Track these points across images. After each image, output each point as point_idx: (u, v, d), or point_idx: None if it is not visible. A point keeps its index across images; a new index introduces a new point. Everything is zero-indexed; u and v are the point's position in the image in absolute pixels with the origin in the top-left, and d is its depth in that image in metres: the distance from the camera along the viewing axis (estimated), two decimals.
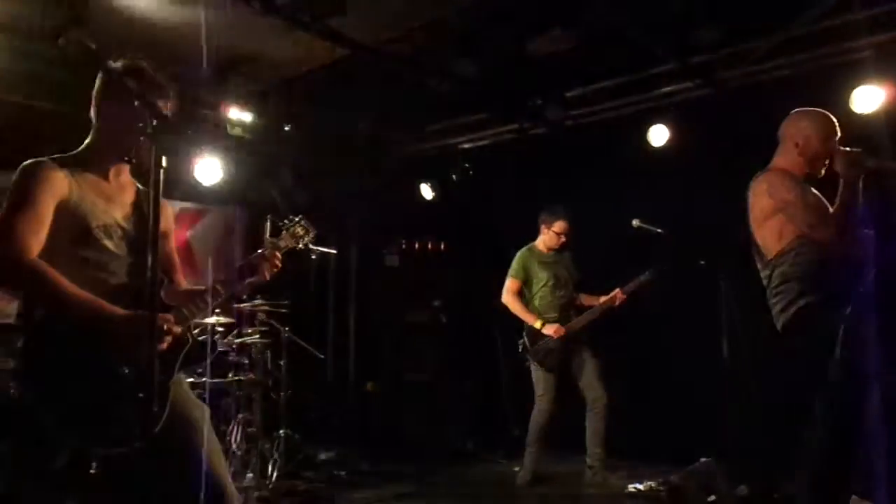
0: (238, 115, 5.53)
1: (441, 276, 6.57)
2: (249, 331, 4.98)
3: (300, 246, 2.65)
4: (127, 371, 2.03)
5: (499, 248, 5.28)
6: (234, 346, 4.76)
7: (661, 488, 4.36)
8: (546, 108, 5.55)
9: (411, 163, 6.87)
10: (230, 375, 4.70)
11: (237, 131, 5.73)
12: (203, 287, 2.32)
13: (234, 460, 4.54)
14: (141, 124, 2.10)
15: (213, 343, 4.75)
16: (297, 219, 2.65)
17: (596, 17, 4.30)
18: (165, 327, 2.08)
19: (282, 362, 5.18)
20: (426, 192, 6.67)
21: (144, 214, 2.25)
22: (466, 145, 6.54)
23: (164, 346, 2.10)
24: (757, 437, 4.49)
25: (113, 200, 2.22)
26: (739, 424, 4.39)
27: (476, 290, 5.48)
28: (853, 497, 2.75)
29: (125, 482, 2.09)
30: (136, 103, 2.11)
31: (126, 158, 2.24)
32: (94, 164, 2.20)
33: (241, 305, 5.08)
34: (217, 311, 4.54)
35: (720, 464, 3.96)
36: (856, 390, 2.71)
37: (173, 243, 2.47)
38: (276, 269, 2.45)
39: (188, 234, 6.24)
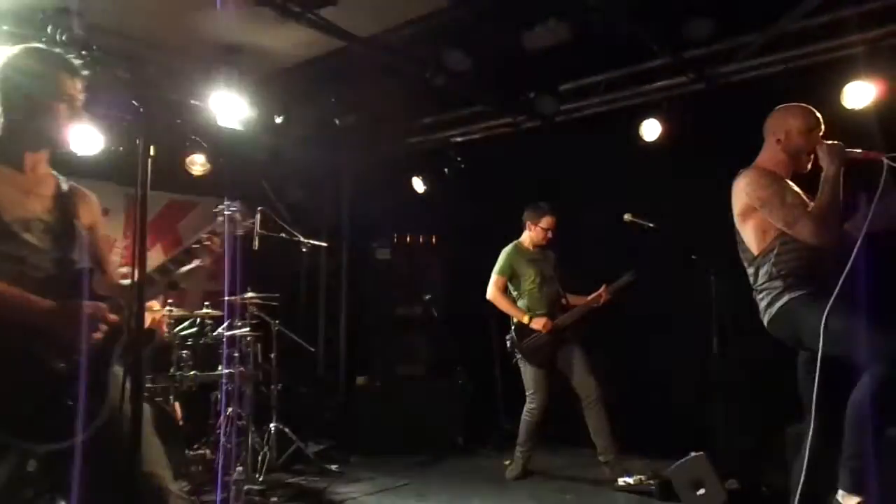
0: (229, 106, 5.49)
1: (433, 269, 6.56)
2: (240, 324, 4.96)
3: (239, 231, 2.58)
4: (62, 365, 1.96)
5: (491, 242, 5.27)
6: (224, 339, 4.74)
7: (652, 482, 4.37)
8: (539, 102, 5.54)
9: (403, 156, 6.85)
10: (220, 368, 4.68)
11: (228, 123, 5.69)
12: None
13: (224, 454, 4.53)
14: (49, 109, 2.06)
15: (204, 335, 4.75)
16: (232, 203, 2.58)
17: (589, 11, 4.29)
18: (100, 316, 2.00)
19: (272, 355, 5.17)
20: (418, 185, 6.65)
21: (66, 206, 2.20)
22: (459, 139, 6.53)
23: (99, 335, 2.02)
24: (746, 431, 4.52)
25: (30, 193, 2.12)
26: (730, 418, 4.41)
27: (468, 284, 5.47)
28: (840, 492, 2.76)
29: (64, 479, 2.04)
30: (38, 88, 2.05)
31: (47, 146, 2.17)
32: (5, 156, 2.10)
33: (232, 298, 5.07)
34: (169, 300, 4.49)
35: (710, 458, 3.97)
36: (842, 384, 2.72)
37: (101, 233, 2.37)
38: (215, 254, 2.35)
39: (178, 226, 6.21)
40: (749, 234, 3.09)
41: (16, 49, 2.10)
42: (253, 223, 2.65)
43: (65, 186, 2.24)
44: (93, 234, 2.29)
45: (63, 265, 2.11)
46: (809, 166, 3.09)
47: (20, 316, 1.93)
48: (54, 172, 2.25)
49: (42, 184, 2.19)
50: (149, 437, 2.09)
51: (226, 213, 2.49)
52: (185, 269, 2.27)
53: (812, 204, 2.94)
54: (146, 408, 2.17)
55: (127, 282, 2.20)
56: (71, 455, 1.93)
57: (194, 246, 2.32)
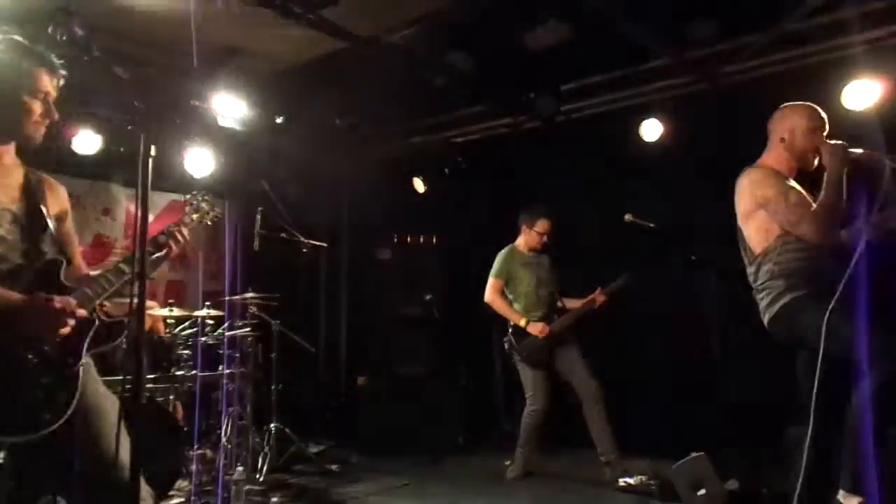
0: (230, 106, 5.49)
1: (433, 269, 6.55)
2: (240, 324, 4.96)
3: (206, 222, 2.62)
4: (30, 356, 1.96)
5: (491, 241, 5.28)
6: (224, 339, 4.74)
7: (652, 482, 4.37)
8: (540, 102, 5.53)
9: (404, 156, 6.85)
10: (220, 368, 4.68)
11: (228, 123, 5.69)
12: (105, 268, 2.22)
13: (225, 453, 4.53)
14: (20, 105, 2.06)
15: (204, 335, 4.74)
16: (199, 194, 2.62)
17: (591, 10, 4.28)
18: (67, 310, 1.99)
19: (273, 355, 5.17)
20: (419, 185, 6.65)
21: (34, 196, 2.19)
22: (459, 139, 6.53)
23: (67, 329, 2.01)
24: (747, 431, 4.52)
25: None
26: (730, 419, 4.41)
27: (468, 284, 5.47)
28: (842, 492, 2.75)
29: (33, 470, 2.04)
30: (12, 82, 2.06)
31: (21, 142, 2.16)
32: None
33: (232, 298, 5.07)
34: (169, 300, 4.50)
35: (711, 458, 3.96)
36: (842, 383, 2.72)
37: (70, 223, 2.35)
38: (180, 244, 2.39)
39: None
40: (751, 233, 3.08)
41: None
42: (220, 214, 2.69)
43: (32, 177, 2.24)
44: (61, 224, 2.29)
45: (31, 256, 2.10)
46: (816, 164, 3.09)
47: None
48: (20, 162, 2.23)
49: (9, 174, 2.18)
50: (114, 429, 2.06)
51: (192, 203, 2.55)
52: (152, 257, 2.28)
53: (815, 204, 2.94)
54: (114, 401, 2.16)
55: (95, 272, 2.21)
56: (41, 447, 1.93)
57: (160, 236, 2.34)
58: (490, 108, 6.07)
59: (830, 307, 2.67)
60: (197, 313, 4.67)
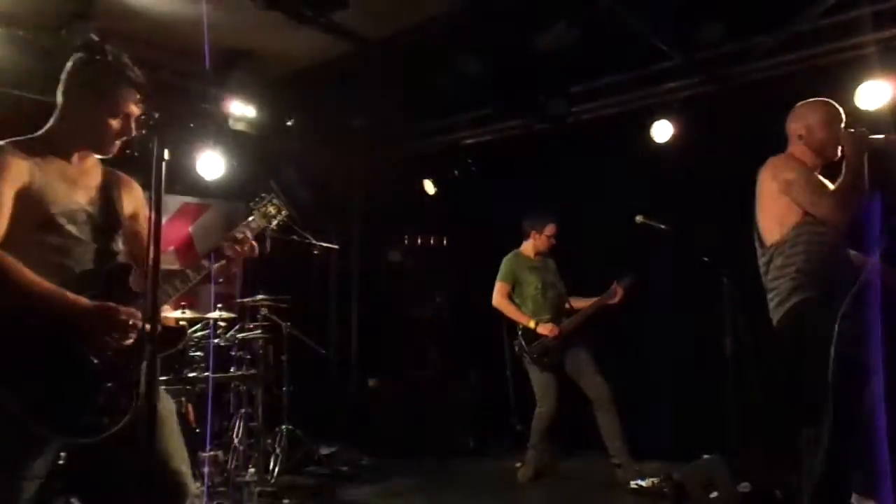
0: (241, 109, 5.52)
1: (443, 271, 6.56)
2: (251, 326, 4.98)
3: (272, 226, 2.57)
4: (96, 361, 2.00)
5: (502, 243, 5.28)
6: (235, 342, 4.76)
7: (664, 485, 4.35)
8: (550, 104, 5.53)
9: (414, 158, 6.86)
10: (232, 370, 4.70)
11: (240, 126, 5.72)
12: (173, 270, 2.26)
13: (236, 455, 4.55)
14: (113, 123, 2.10)
15: (216, 337, 4.76)
16: (267, 197, 2.57)
17: (600, 12, 4.28)
18: (131, 322, 2.02)
19: (283, 357, 5.18)
20: (429, 187, 6.66)
21: (111, 198, 2.23)
22: (470, 141, 6.53)
23: (131, 342, 2.05)
24: (759, 433, 4.49)
25: (77, 184, 2.17)
26: (742, 421, 4.38)
27: (479, 286, 5.47)
28: (855, 495, 2.74)
29: (93, 472, 2.08)
30: (114, 100, 2.10)
31: (127, 151, 2.22)
32: (56, 148, 2.14)
33: (243, 300, 5.09)
34: (182, 303, 4.51)
35: (723, 460, 3.94)
36: (855, 386, 2.70)
37: (143, 224, 2.38)
38: (246, 253, 2.35)
39: (190, 228, 6.24)
40: (768, 221, 3.06)
41: (90, 56, 2.15)
42: (289, 216, 2.63)
43: (110, 176, 2.29)
44: (134, 223, 2.34)
45: (104, 258, 2.15)
46: (838, 155, 3.08)
47: (58, 312, 1.96)
48: (99, 161, 2.28)
49: (88, 174, 2.23)
50: (175, 434, 2.15)
51: (259, 207, 2.51)
52: (216, 265, 2.29)
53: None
54: (171, 405, 2.23)
55: (173, 267, 2.25)
56: (99, 449, 1.97)
57: (224, 244, 2.32)
58: (501, 111, 6.07)
59: (842, 310, 2.65)
60: (209, 315, 4.69)
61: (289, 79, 5.47)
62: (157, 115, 1.85)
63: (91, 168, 2.25)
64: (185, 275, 2.23)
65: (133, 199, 2.34)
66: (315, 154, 6.62)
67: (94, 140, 2.18)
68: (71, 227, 2.09)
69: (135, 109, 2.17)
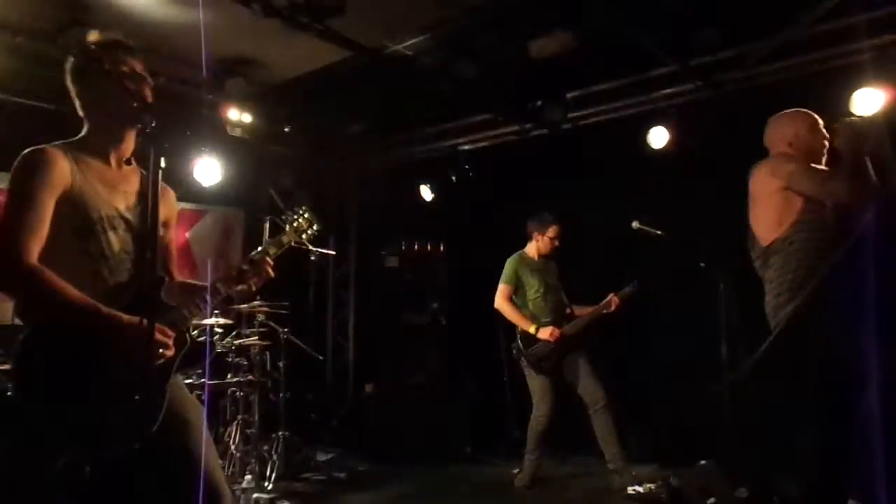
0: (238, 115, 5.53)
1: (440, 277, 6.56)
2: (248, 332, 4.98)
3: (304, 239, 2.55)
4: (126, 374, 1.98)
5: (499, 249, 5.28)
6: (233, 348, 4.76)
7: (661, 490, 4.35)
8: (546, 110, 5.54)
9: (411, 164, 6.87)
10: (229, 377, 4.70)
11: (237, 132, 5.73)
12: (202, 284, 2.26)
13: (233, 462, 4.54)
14: (129, 102, 2.07)
15: (213, 344, 4.76)
16: (300, 210, 2.54)
17: (596, 18, 4.29)
18: (164, 342, 2.01)
19: (281, 363, 5.18)
20: (426, 193, 6.66)
21: (147, 202, 2.24)
22: (466, 146, 6.54)
23: (162, 360, 2.03)
24: (756, 439, 4.49)
25: (116, 189, 2.15)
26: (739, 427, 4.38)
27: (476, 292, 5.48)
28: (851, 501, 2.74)
29: (121, 484, 2.07)
30: (116, 68, 2.10)
31: (126, 158, 2.21)
32: (94, 150, 2.13)
33: (241, 307, 5.09)
34: (216, 311, 4.52)
35: (720, 466, 3.95)
36: (850, 391, 2.70)
37: (173, 233, 2.38)
38: (266, 277, 2.33)
39: (187, 234, 6.24)
40: (764, 220, 3.03)
41: (79, 51, 2.16)
42: (320, 230, 2.59)
43: (147, 181, 2.25)
44: (166, 230, 2.33)
45: (139, 268, 2.13)
46: (825, 157, 3.09)
47: (93, 327, 1.95)
48: (138, 167, 2.26)
49: (128, 181, 2.21)
50: (208, 439, 2.15)
51: (291, 221, 2.49)
52: (239, 287, 2.29)
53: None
54: (200, 410, 2.22)
55: (191, 286, 2.27)
56: (125, 462, 1.96)
57: (244, 267, 2.31)
58: (497, 116, 6.09)
59: (835, 315, 2.65)
60: (206, 321, 4.68)
61: (286, 85, 5.48)
62: (153, 124, 1.84)
63: (130, 173, 2.23)
64: (216, 288, 2.22)
65: (168, 207, 2.32)
66: (312, 160, 6.63)
67: (119, 110, 2.11)
68: (110, 234, 2.08)
69: (138, 65, 2.17)
